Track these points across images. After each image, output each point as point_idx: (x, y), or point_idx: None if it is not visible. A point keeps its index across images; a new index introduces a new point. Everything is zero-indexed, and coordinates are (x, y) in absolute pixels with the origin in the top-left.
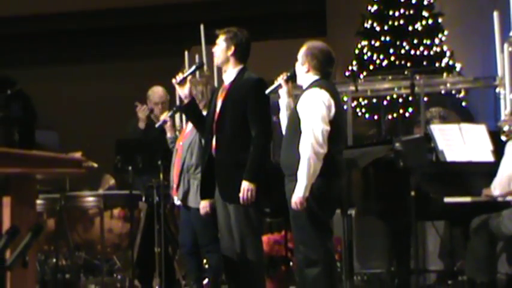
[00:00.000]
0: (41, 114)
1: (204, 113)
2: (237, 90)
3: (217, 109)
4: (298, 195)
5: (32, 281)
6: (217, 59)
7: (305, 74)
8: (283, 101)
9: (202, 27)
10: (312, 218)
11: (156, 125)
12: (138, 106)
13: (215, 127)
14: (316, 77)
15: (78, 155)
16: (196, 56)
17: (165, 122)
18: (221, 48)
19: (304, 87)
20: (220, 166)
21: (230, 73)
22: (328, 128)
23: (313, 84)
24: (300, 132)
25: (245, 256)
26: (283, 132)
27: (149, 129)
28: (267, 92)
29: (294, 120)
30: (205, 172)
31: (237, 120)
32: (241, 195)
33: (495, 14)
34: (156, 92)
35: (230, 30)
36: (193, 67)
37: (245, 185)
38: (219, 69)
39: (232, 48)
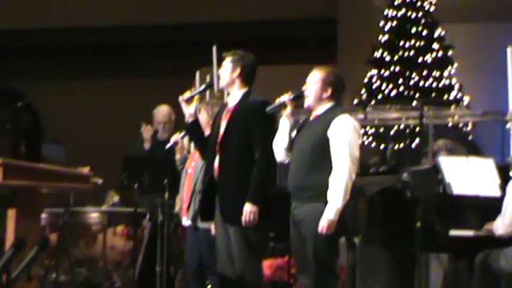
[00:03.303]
0: (48, 128)
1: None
2: (242, 112)
3: (221, 131)
4: (329, 217)
5: None
6: (223, 81)
7: (322, 99)
8: (285, 121)
9: (214, 48)
10: (331, 242)
11: (167, 146)
12: (142, 126)
13: (219, 148)
14: (333, 103)
15: (85, 170)
16: (207, 77)
17: (175, 143)
18: (227, 70)
19: (318, 113)
20: (223, 188)
21: (235, 95)
22: (358, 155)
23: (337, 111)
24: (328, 155)
25: (245, 279)
26: (282, 152)
27: (154, 149)
28: (268, 109)
29: (321, 143)
30: (206, 194)
31: (241, 143)
32: (243, 217)
33: (509, 49)
34: (161, 111)
35: (236, 52)
36: (203, 86)
37: (248, 207)
38: None
39: (238, 70)
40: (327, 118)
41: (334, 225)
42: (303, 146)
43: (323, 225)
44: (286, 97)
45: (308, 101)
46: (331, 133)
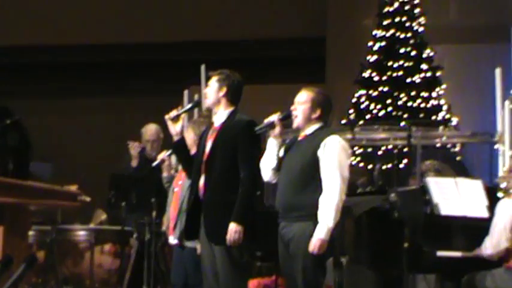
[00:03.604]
0: (36, 145)
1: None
2: (228, 131)
3: (207, 150)
4: (320, 237)
5: None
6: (209, 100)
7: (311, 120)
8: (273, 141)
9: (203, 67)
10: (320, 261)
11: (153, 164)
12: (129, 144)
13: (204, 167)
14: (321, 124)
15: (73, 188)
16: (195, 95)
17: (162, 161)
18: (213, 90)
19: (306, 133)
20: (208, 207)
21: (221, 115)
22: (348, 175)
23: (326, 131)
24: (318, 176)
25: None
26: (270, 172)
27: (141, 167)
28: (257, 128)
29: (311, 164)
30: (191, 213)
31: (227, 162)
32: (228, 236)
33: (497, 71)
34: (149, 129)
35: (222, 72)
36: (189, 105)
37: (232, 226)
38: None
39: (224, 89)
40: (316, 138)
41: (326, 245)
42: (292, 166)
43: (314, 244)
44: (275, 117)
45: (297, 121)
46: (321, 153)
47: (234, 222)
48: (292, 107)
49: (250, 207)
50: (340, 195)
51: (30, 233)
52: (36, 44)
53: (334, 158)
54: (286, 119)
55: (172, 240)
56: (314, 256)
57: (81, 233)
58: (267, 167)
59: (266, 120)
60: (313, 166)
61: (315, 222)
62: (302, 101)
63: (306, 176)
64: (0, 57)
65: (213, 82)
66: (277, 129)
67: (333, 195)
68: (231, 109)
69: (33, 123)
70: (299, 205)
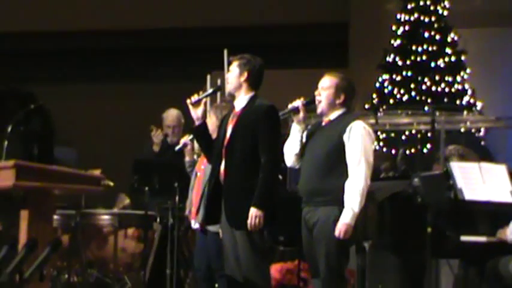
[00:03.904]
0: (60, 130)
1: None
2: (248, 116)
3: (228, 135)
4: (346, 221)
5: None
6: (230, 85)
7: (335, 105)
8: (297, 127)
9: (225, 52)
10: (343, 246)
11: (176, 148)
12: (153, 131)
13: (224, 152)
14: (345, 109)
15: (97, 172)
16: (218, 80)
17: (185, 145)
18: (234, 74)
19: (330, 118)
20: (228, 192)
21: (241, 99)
22: (373, 160)
23: (351, 116)
24: (343, 160)
25: (252, 283)
26: (293, 157)
27: (163, 153)
28: (280, 113)
29: (336, 148)
30: (211, 198)
31: (247, 146)
32: (248, 221)
33: None
34: (171, 115)
35: (243, 56)
36: (211, 90)
37: (253, 211)
38: None
39: (245, 74)
40: (341, 123)
41: (351, 230)
42: (317, 151)
43: (340, 229)
44: (299, 102)
45: (321, 107)
46: (346, 138)
47: (254, 207)
48: (316, 93)
49: (270, 192)
50: (366, 180)
51: (55, 217)
52: (61, 30)
53: (360, 143)
54: (310, 105)
55: (195, 224)
56: (338, 241)
57: (105, 217)
58: (290, 152)
59: (290, 106)
60: (338, 151)
61: (340, 207)
62: (326, 86)
63: (331, 161)
64: (26, 42)
65: (234, 67)
66: (301, 115)
67: (359, 180)
68: (251, 94)
69: (57, 108)
70: (324, 190)
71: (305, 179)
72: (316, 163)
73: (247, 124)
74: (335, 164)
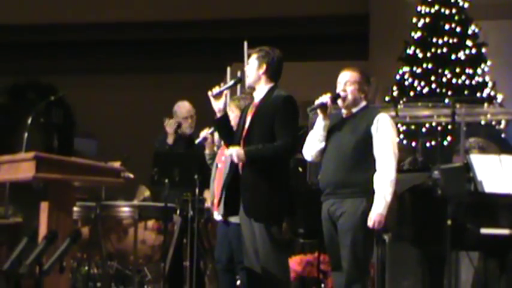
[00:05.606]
0: (81, 122)
1: None
2: (266, 106)
3: (246, 126)
4: (379, 211)
5: (65, 287)
6: (249, 78)
7: (359, 99)
8: (322, 123)
9: (245, 44)
10: (370, 236)
11: (196, 141)
12: (166, 121)
13: (243, 143)
14: (366, 102)
15: (117, 164)
16: (238, 72)
17: (205, 139)
18: (253, 67)
19: (353, 111)
20: (247, 183)
21: (260, 91)
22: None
23: (375, 109)
24: (370, 152)
25: (271, 274)
26: (315, 153)
27: (177, 144)
28: (309, 109)
29: (364, 140)
30: (230, 189)
31: (265, 137)
32: (227, 152)
33: None
34: (183, 106)
35: (262, 49)
36: (232, 82)
37: (238, 151)
38: None
39: (264, 66)
40: (366, 115)
41: (383, 220)
42: (343, 144)
43: (374, 219)
44: (327, 97)
45: (347, 101)
46: (374, 130)
47: (243, 150)
48: (339, 87)
49: (262, 157)
50: (395, 171)
51: (75, 209)
52: (83, 22)
53: (388, 134)
54: (337, 100)
55: (217, 216)
56: (366, 232)
57: (125, 210)
58: (313, 147)
59: (318, 101)
60: (365, 143)
61: (368, 198)
62: (352, 81)
63: (359, 153)
64: (47, 34)
65: (253, 60)
66: (328, 110)
67: (389, 170)
68: (270, 85)
69: (77, 99)
70: (352, 182)
71: (330, 171)
72: (342, 155)
73: (265, 114)
74: (362, 156)
